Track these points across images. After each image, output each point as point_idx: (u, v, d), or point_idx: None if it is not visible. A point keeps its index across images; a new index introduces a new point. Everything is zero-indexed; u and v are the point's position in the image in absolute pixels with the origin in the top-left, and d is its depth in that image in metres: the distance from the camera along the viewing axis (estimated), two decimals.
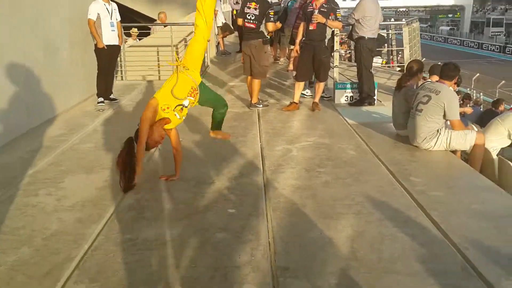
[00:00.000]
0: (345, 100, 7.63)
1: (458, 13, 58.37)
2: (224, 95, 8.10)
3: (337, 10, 7.07)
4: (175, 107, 4.13)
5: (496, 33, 51.54)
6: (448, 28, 59.89)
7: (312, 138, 5.75)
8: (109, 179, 4.47)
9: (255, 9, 7.16)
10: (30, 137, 5.77)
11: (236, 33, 14.55)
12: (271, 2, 12.35)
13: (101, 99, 7.59)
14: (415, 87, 5.81)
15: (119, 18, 7.71)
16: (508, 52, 41.10)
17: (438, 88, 5.25)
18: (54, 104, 6.71)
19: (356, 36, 7.26)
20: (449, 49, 48.97)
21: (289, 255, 3.15)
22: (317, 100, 7.21)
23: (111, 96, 7.79)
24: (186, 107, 4.22)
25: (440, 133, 5.18)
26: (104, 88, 7.66)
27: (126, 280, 2.84)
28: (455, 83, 5.61)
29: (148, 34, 12.32)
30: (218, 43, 14.20)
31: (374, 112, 7.13)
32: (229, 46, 15.01)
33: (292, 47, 8.93)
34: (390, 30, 10.61)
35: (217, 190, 4.23)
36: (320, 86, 7.22)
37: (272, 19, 7.28)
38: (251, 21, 7.15)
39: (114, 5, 7.63)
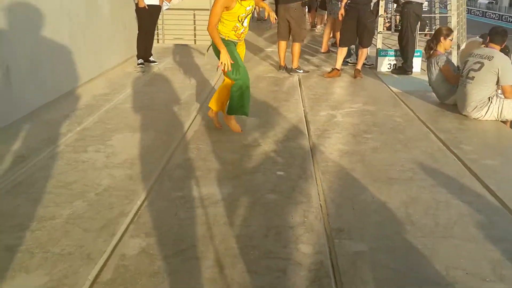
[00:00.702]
0: (388, 68, 7.46)
1: None
2: (262, 61, 8.05)
3: None
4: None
5: None
6: (487, 1, 57.82)
7: (356, 105, 5.65)
8: (155, 138, 4.48)
9: None
10: (74, 96, 5.81)
11: None
12: None
13: (141, 60, 7.58)
14: (445, 55, 5.62)
15: None
16: None
17: (490, 54, 5.06)
18: (97, 64, 6.75)
19: (403, 1, 7.02)
20: (487, 23, 47.38)
21: (342, 217, 3.10)
22: (359, 67, 7.06)
23: (151, 58, 7.76)
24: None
25: (491, 102, 5.02)
26: (144, 49, 7.63)
27: (181, 235, 2.84)
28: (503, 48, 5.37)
29: None
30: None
31: (418, 80, 6.96)
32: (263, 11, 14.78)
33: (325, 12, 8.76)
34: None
35: (264, 152, 4.19)
36: (364, 53, 7.05)
37: None
38: None
39: None
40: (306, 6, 12.94)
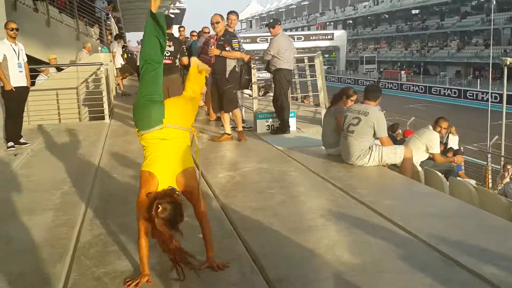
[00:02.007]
0: (267, 129, 7.82)
1: (334, 53, 62.81)
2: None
3: (233, 41, 7.22)
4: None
5: (369, 70, 56.43)
6: (326, 67, 64.25)
7: (250, 164, 5.81)
8: (55, 219, 4.14)
9: (169, 46, 7.30)
10: None
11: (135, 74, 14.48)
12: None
13: (11, 143, 7.04)
14: (344, 109, 6.14)
15: (25, 59, 7.30)
16: (382, 86, 44.75)
17: (366, 110, 5.57)
18: None
19: (274, 69, 7.53)
20: (328, 86, 52.31)
21: (277, 268, 3.12)
22: (240, 129, 7.30)
23: (21, 140, 7.25)
24: None
25: (372, 150, 5.51)
26: (14, 131, 7.13)
27: None
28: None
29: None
30: (118, 84, 13.90)
31: (297, 137, 7.40)
32: (127, 87, 14.77)
33: None
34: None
35: None
36: (237, 116, 7.31)
37: (186, 53, 7.54)
38: (167, 58, 7.31)
39: (21, 46, 7.21)
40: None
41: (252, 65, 7.77)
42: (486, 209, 4.33)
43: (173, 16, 49.67)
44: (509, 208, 4.52)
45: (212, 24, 7.26)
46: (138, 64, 14.03)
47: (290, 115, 7.77)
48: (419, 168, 5.86)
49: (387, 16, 69.82)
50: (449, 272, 3.01)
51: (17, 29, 7.04)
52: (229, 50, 7.10)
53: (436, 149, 6.41)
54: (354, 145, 5.52)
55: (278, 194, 4.66)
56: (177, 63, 7.59)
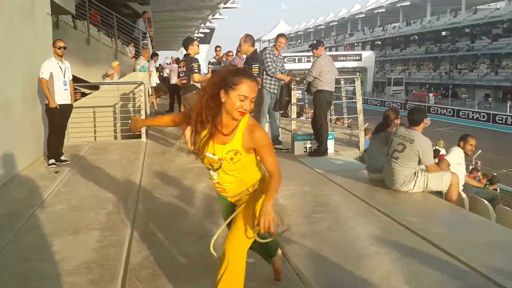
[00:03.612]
0: (304, 151, 7.78)
1: (361, 74, 62.64)
2: (175, 153, 8.01)
3: (253, 65, 7.30)
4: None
5: (397, 91, 55.97)
6: (352, 88, 63.97)
7: (292, 187, 5.76)
8: (102, 239, 4.16)
9: (183, 66, 7.51)
10: None
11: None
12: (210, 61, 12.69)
13: (52, 160, 7.15)
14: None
15: (71, 77, 7.45)
16: (409, 108, 44.38)
17: (411, 137, 5.44)
18: (6, 167, 6.21)
19: (315, 90, 7.52)
20: (353, 107, 52.12)
21: None
22: None
23: (62, 158, 7.37)
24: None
25: (417, 176, 5.41)
26: (55, 149, 7.25)
27: None
28: (425, 124, 5.75)
29: (83, 96, 11.98)
30: (152, 103, 14.08)
31: (335, 160, 7.34)
32: (160, 105, 14.98)
33: None
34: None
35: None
36: None
37: (196, 70, 7.46)
38: (182, 77, 7.53)
39: (67, 64, 7.37)
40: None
41: (293, 86, 7.79)
42: None
43: (202, 35, 50.47)
44: None
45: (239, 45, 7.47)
46: (171, 82, 14.27)
47: (329, 137, 7.73)
48: (464, 195, 5.73)
49: (416, 38, 69.43)
50: None
51: (64, 48, 7.20)
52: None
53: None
54: (399, 171, 5.44)
55: (324, 219, 4.60)
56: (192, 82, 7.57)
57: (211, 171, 2.77)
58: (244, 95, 2.48)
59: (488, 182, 10.85)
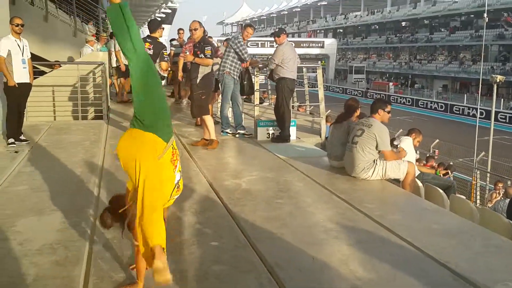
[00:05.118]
0: (267, 137, 7.89)
1: (323, 61, 63.21)
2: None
3: (206, 48, 7.27)
4: None
5: (358, 79, 56.97)
6: (315, 75, 64.51)
7: (255, 173, 5.87)
8: (66, 220, 4.15)
9: (149, 49, 7.36)
10: None
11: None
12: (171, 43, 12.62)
13: (11, 140, 7.02)
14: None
15: (29, 55, 7.28)
16: (369, 97, 45.19)
17: (370, 122, 5.70)
18: None
19: (277, 77, 7.61)
20: (316, 93, 52.68)
21: (294, 280, 3.19)
22: (212, 137, 7.25)
23: (21, 137, 7.23)
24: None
25: (376, 164, 5.61)
26: (15, 128, 7.10)
27: None
28: (388, 113, 5.92)
29: (41, 74, 11.67)
30: (113, 84, 13.83)
31: (297, 147, 7.48)
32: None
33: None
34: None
35: (189, 224, 4.13)
36: (207, 124, 7.25)
37: (166, 58, 7.53)
38: None
39: (25, 42, 7.19)
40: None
41: (256, 72, 7.85)
42: (487, 227, 4.44)
43: (164, 15, 49.65)
44: (510, 227, 4.64)
45: (190, 30, 7.42)
46: None
47: (291, 124, 7.85)
48: (420, 184, 5.97)
49: (377, 27, 70.47)
50: None
51: (22, 25, 7.02)
52: (201, 57, 7.20)
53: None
54: (359, 157, 5.62)
55: (286, 205, 4.72)
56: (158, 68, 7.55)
57: None
58: None
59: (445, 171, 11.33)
